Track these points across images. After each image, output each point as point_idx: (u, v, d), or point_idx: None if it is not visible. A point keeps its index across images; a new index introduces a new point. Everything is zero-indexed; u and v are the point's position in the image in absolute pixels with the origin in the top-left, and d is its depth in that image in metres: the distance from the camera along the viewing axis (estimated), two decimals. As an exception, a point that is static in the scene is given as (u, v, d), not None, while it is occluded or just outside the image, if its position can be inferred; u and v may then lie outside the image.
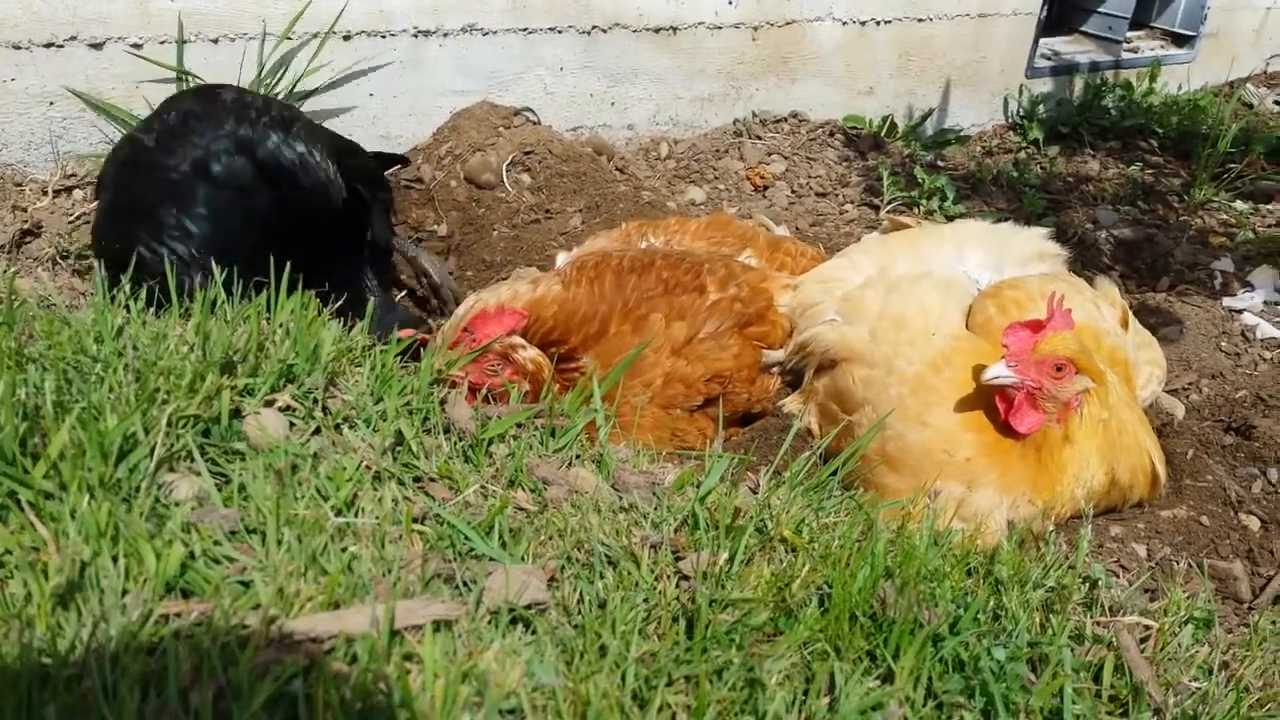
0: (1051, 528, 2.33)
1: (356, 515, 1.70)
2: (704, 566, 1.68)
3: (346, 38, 4.26)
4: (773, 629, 1.66)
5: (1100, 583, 1.97)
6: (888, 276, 2.88)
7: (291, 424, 1.95)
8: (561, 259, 3.39)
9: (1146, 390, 2.95)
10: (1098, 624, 1.86)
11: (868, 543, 1.82)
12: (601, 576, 1.67)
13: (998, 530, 2.41)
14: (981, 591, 1.84)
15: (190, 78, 4.02)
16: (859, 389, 2.69)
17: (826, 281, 3.01)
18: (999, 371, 2.37)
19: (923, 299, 2.73)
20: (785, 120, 5.44)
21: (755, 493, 2.06)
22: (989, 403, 2.48)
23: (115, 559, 1.48)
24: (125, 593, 1.44)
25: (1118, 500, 2.67)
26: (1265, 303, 4.19)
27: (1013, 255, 3.00)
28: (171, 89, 4.01)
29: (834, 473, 2.20)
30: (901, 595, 1.67)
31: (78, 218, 3.85)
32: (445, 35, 4.50)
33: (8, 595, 1.41)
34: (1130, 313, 3.00)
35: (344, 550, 1.59)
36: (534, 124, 4.68)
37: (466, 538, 1.68)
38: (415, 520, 1.72)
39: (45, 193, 3.94)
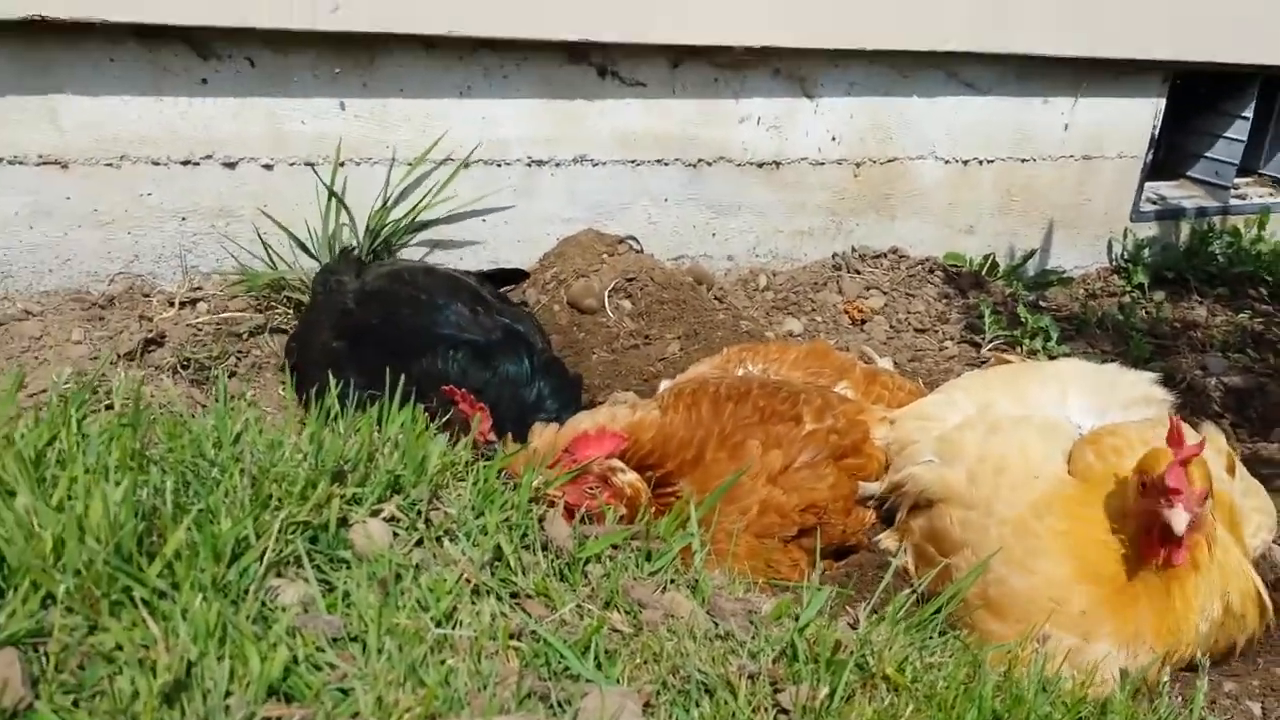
0: (1167, 678, 2.23)
1: (455, 628, 1.71)
2: (804, 700, 1.64)
3: (465, 165, 4.45)
4: (873, 770, 1.60)
5: (1219, 741, 1.87)
6: (988, 417, 2.85)
7: (395, 534, 1.98)
8: (664, 386, 3.43)
9: (1256, 539, 2.84)
10: (1218, 786, 1.75)
11: (974, 685, 1.76)
12: (698, 705, 1.64)
13: (1111, 679, 2.31)
14: (1094, 744, 1.76)
15: (336, 198, 4.23)
16: (957, 530, 2.64)
17: (924, 419, 2.98)
18: (1182, 520, 2.28)
19: (1024, 442, 2.69)
20: (885, 256, 5.47)
21: (854, 628, 2.01)
22: (1101, 552, 2.41)
23: (221, 659, 1.51)
24: (229, 694, 1.46)
25: (1234, 633, 2.54)
26: (1387, 456, 4.01)
27: (1118, 399, 2.95)
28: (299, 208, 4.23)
29: (937, 611, 2.14)
30: (1009, 743, 1.61)
31: (200, 328, 4.03)
32: (557, 165, 4.67)
33: (116, 690, 1.44)
34: (1237, 459, 2.91)
35: (442, 662, 1.59)
36: (637, 252, 4.80)
37: (562, 656, 1.67)
38: (512, 636, 1.72)
39: (171, 304, 4.14)
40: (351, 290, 3.58)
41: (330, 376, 2.71)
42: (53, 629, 1.51)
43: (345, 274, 3.66)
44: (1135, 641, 2.37)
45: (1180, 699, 2.23)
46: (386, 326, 3.40)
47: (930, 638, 2.01)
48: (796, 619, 1.89)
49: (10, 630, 1.46)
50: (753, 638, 1.84)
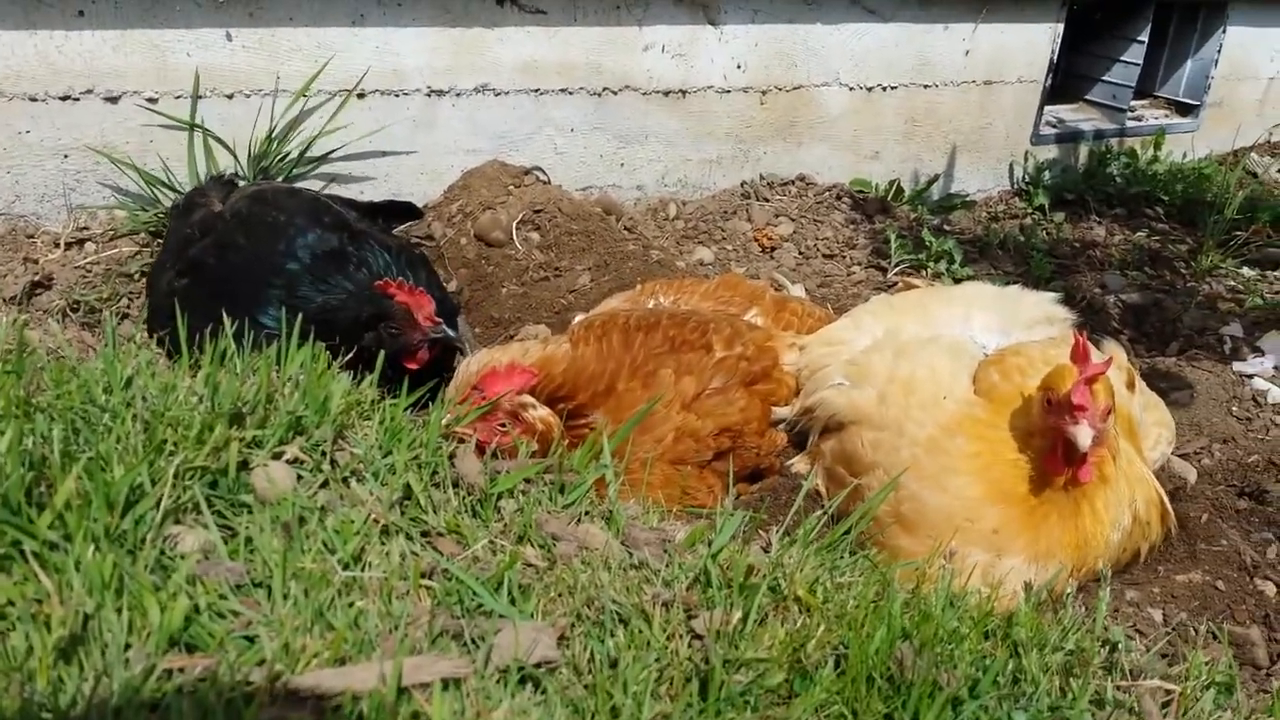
0: (1072, 589, 2.30)
1: (364, 569, 1.67)
2: (717, 625, 1.65)
3: (361, 96, 4.30)
4: (788, 691, 1.62)
5: (1120, 646, 1.93)
6: (896, 340, 2.88)
7: (300, 477, 1.93)
8: (577, 321, 3.40)
9: (1155, 452, 2.93)
10: (1118, 688, 1.82)
11: (884, 603, 1.78)
12: (613, 635, 1.63)
13: (1017, 592, 2.37)
14: (1000, 654, 1.80)
15: (206, 133, 4.06)
16: (868, 451, 2.67)
17: (833, 344, 3.01)
18: (1087, 435, 2.31)
19: (932, 363, 2.72)
20: (792, 183, 5.48)
21: (767, 551, 2.03)
22: (1011, 471, 2.46)
23: (119, 611, 1.45)
24: (128, 646, 1.41)
25: (1140, 541, 2.63)
26: (1275, 368, 4.17)
27: (1021, 319, 3.00)
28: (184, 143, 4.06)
29: (847, 532, 2.17)
30: (920, 657, 1.64)
31: (88, 269, 3.86)
32: (458, 95, 4.55)
33: (9, 648, 1.38)
34: (1137, 375, 2.98)
35: (351, 605, 1.56)
36: (544, 183, 4.72)
37: (475, 594, 1.65)
38: (423, 575, 1.69)
39: (57, 245, 3.96)
40: (198, 218, 3.38)
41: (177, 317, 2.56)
42: (-66, 587, 1.44)
43: (212, 196, 3.50)
44: (1047, 557, 2.44)
45: (1084, 609, 2.31)
46: (223, 264, 3.21)
47: (841, 558, 2.03)
48: (710, 545, 1.90)
49: (-113, 591, 1.38)
50: (667, 566, 1.83)
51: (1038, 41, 6.10)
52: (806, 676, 1.63)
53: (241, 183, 3.89)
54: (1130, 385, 2.88)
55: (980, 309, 3.01)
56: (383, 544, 1.75)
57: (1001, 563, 2.44)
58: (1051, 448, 2.41)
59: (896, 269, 4.72)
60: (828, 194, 5.44)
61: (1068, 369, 2.35)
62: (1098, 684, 1.80)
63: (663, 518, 2.12)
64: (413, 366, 3.14)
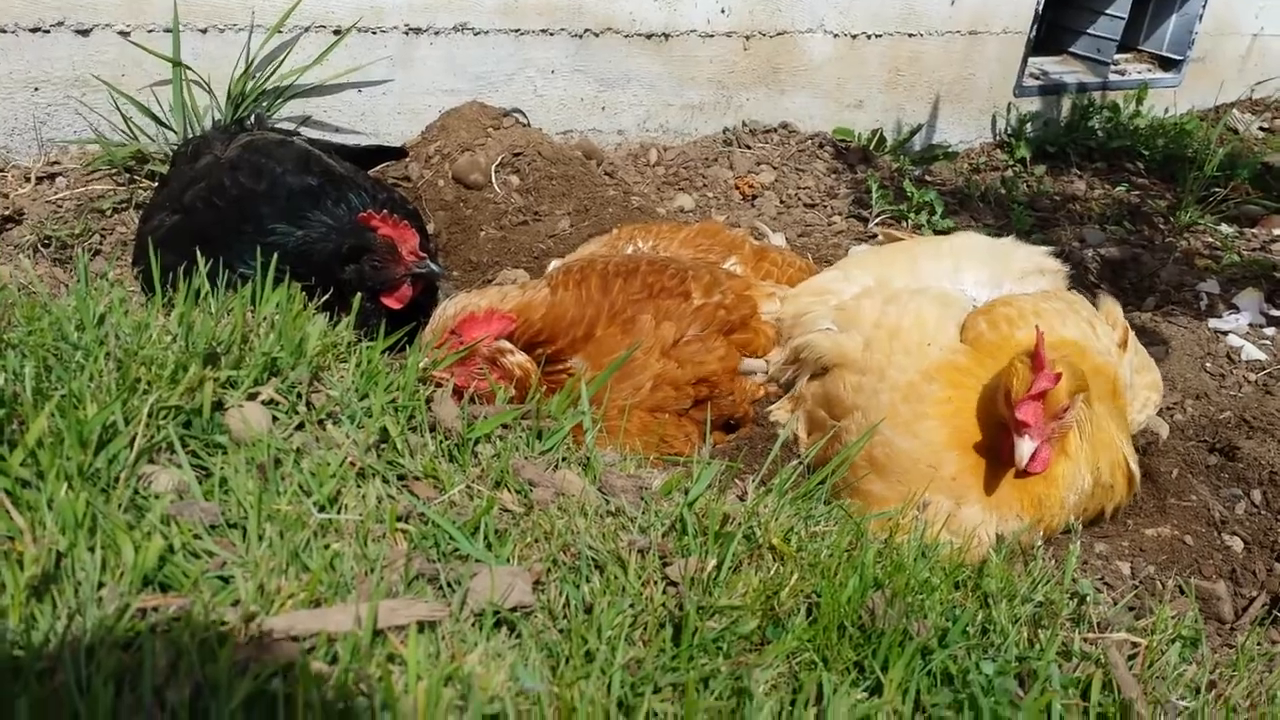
0: (1040, 542, 2.32)
1: (340, 512, 1.67)
2: (692, 573, 1.66)
3: (336, 32, 4.22)
4: (760, 638, 1.64)
5: (1088, 599, 1.96)
6: (885, 289, 2.87)
7: (275, 418, 1.92)
8: (554, 266, 3.37)
9: (1142, 415, 2.94)
10: (1086, 640, 1.84)
11: (857, 553, 1.80)
12: (588, 580, 1.64)
13: (986, 544, 2.40)
14: (970, 605, 1.82)
15: (182, 68, 3.98)
16: (849, 395, 2.68)
17: (821, 294, 3.00)
18: (1028, 451, 2.31)
19: (920, 311, 2.72)
20: (775, 131, 5.44)
21: (743, 500, 2.04)
22: (979, 420, 2.48)
23: (92, 550, 1.45)
24: (102, 585, 1.40)
25: (1103, 501, 2.65)
26: (1250, 325, 4.21)
27: (1012, 271, 3.00)
28: (160, 77, 3.98)
29: (822, 481, 2.18)
30: (891, 606, 1.65)
31: (60, 205, 3.80)
32: (436, 34, 4.47)
33: (-20, 584, 1.37)
34: (1132, 334, 2.98)
35: (326, 547, 1.56)
36: (524, 126, 4.67)
37: (451, 538, 1.65)
38: (399, 519, 1.69)
39: (27, 179, 3.89)
40: (202, 165, 3.36)
41: (160, 255, 2.56)
42: (-96, 524, 1.43)
43: (215, 144, 3.45)
44: (1003, 508, 2.45)
45: (1054, 561, 2.34)
46: (209, 209, 3.18)
47: (815, 508, 2.05)
48: (686, 493, 1.90)
49: None
50: (643, 513, 1.84)
51: (1025, -9, 6.06)
52: (779, 624, 1.65)
53: (249, 129, 3.83)
54: (1123, 344, 2.87)
55: (970, 261, 3.00)
56: (359, 487, 1.75)
57: (961, 511, 2.46)
58: (1006, 432, 2.40)
59: (878, 219, 4.71)
60: (810, 142, 5.40)
61: (1023, 370, 2.32)
62: (1065, 635, 1.83)
63: (640, 465, 2.12)
64: (394, 305, 3.11)
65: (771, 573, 1.76)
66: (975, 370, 2.57)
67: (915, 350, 2.63)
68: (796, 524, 1.86)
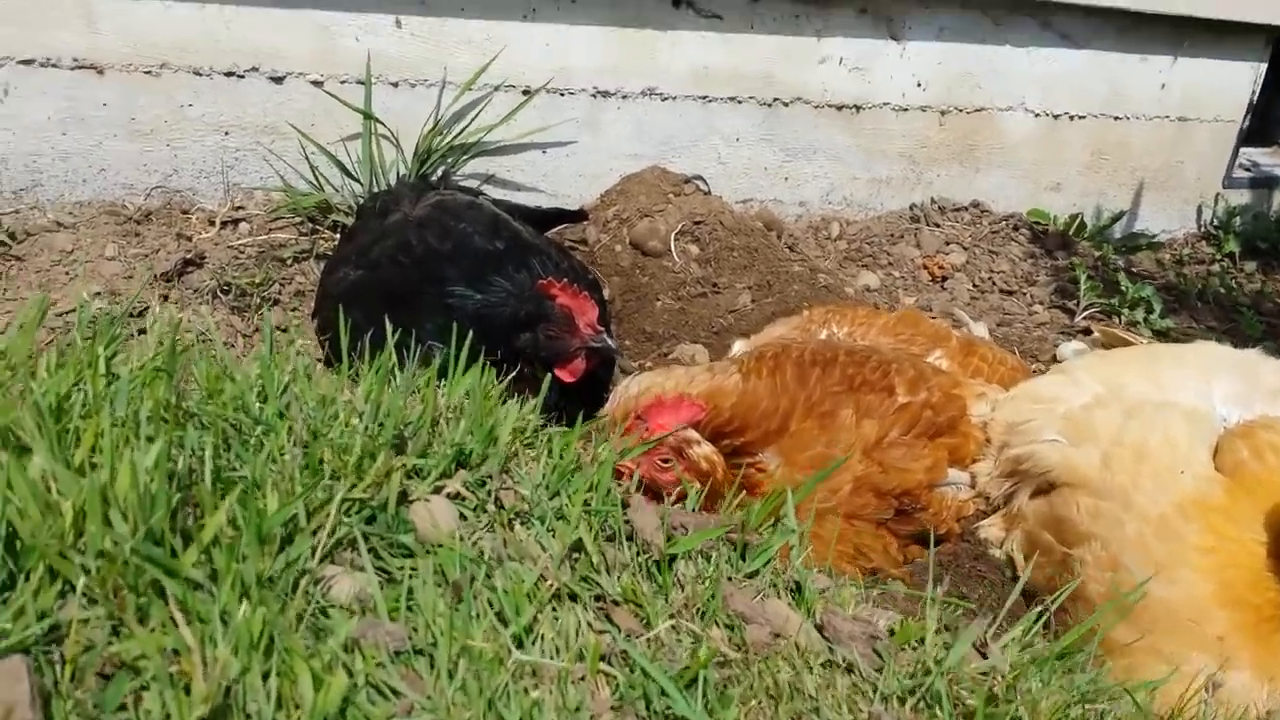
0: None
1: (536, 642, 1.45)
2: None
3: (525, 92, 4.13)
4: None
5: None
6: (1122, 399, 2.54)
7: (462, 515, 1.73)
8: (739, 347, 3.15)
9: None
10: None
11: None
12: (823, 759, 1.38)
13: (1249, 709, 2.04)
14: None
15: (376, 122, 3.94)
16: (1085, 520, 2.35)
17: (1043, 401, 2.68)
18: None
19: (1169, 429, 2.38)
20: (966, 209, 5.13)
21: (982, 653, 1.74)
22: (1247, 576, 2.12)
23: (266, 677, 1.26)
24: (275, 723, 1.21)
25: None
26: None
27: (1262, 388, 2.63)
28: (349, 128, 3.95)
29: (1076, 647, 1.86)
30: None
31: (241, 251, 3.77)
32: (624, 98, 4.35)
33: (142, 711, 1.20)
34: None
35: (525, 692, 1.34)
36: (704, 193, 4.49)
37: (665, 693, 1.41)
38: (602, 658, 1.47)
39: (211, 223, 3.89)
40: (392, 222, 3.26)
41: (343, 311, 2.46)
42: (69, 628, 1.27)
43: (404, 200, 3.36)
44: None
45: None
46: (395, 267, 3.08)
47: (1076, 674, 1.74)
48: (923, 643, 1.63)
49: (19, 635, 1.21)
50: (878, 670, 1.57)
51: (1238, 79, 5.65)
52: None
53: (407, 176, 3.75)
54: None
55: (1220, 375, 2.64)
56: (555, 613, 1.53)
57: (1228, 676, 2.11)
58: None
59: (1085, 312, 4.33)
60: (1003, 223, 5.08)
61: None
62: None
63: (859, 603, 1.85)
64: (567, 378, 2.94)
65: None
66: (1235, 510, 2.21)
67: (1165, 476, 2.29)
68: (1072, 707, 1.56)
